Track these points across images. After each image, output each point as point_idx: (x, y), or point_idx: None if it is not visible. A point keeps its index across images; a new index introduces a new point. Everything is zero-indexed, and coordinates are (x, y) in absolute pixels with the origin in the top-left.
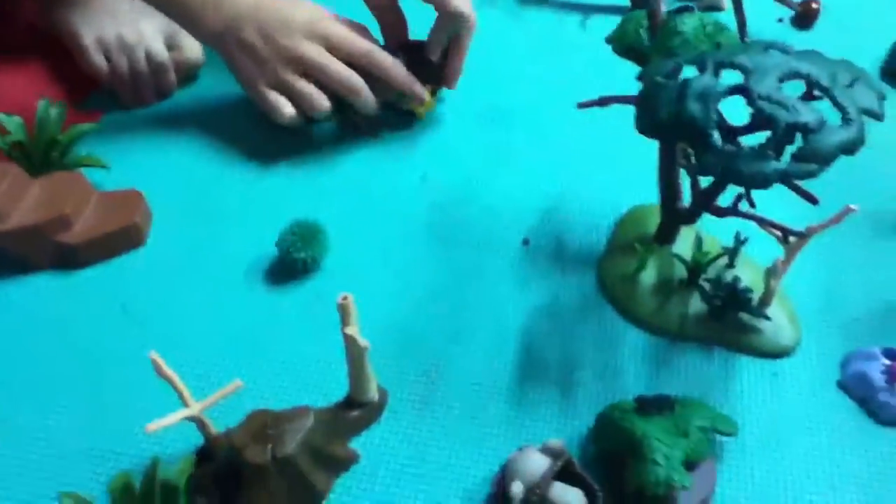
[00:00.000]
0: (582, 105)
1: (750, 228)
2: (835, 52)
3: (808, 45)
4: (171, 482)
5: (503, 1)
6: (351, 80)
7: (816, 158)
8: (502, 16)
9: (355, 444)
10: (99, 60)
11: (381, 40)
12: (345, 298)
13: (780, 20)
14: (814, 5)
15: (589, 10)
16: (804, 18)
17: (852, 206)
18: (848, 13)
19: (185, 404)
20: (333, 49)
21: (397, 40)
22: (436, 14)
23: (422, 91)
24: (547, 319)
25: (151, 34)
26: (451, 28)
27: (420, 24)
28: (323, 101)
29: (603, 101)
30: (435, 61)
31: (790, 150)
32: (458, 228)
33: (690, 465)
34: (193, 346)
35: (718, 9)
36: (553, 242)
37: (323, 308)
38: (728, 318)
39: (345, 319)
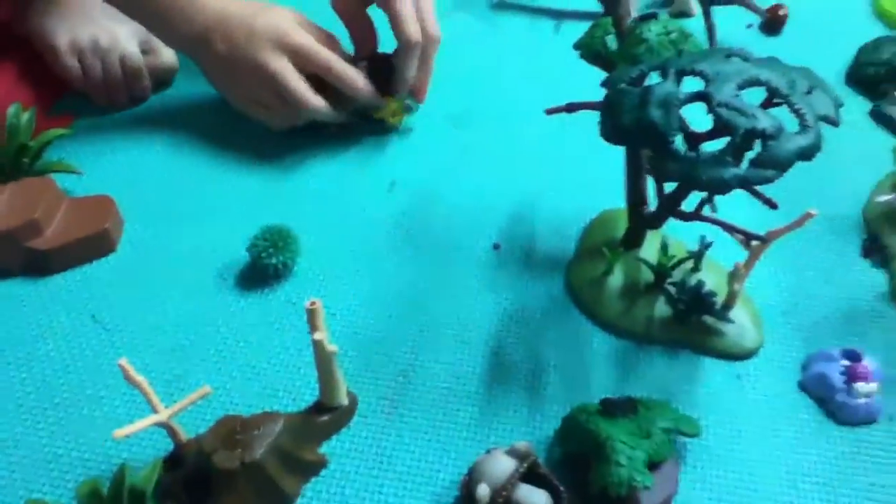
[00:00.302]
0: (549, 111)
1: (715, 232)
2: (802, 58)
3: (776, 50)
4: (139, 488)
5: (476, 6)
6: (308, 98)
7: (774, 164)
8: (475, 21)
9: (325, 449)
10: (72, 63)
11: (352, 50)
12: (313, 304)
13: (750, 26)
14: (781, 12)
15: (562, 15)
16: (772, 24)
17: (812, 211)
18: (815, 19)
19: (154, 410)
20: (298, 60)
21: (367, 51)
22: None
23: (383, 103)
24: (515, 323)
25: (126, 38)
26: (402, 48)
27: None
28: (295, 119)
29: (570, 108)
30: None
31: (750, 156)
32: (427, 233)
33: (653, 465)
34: (163, 352)
35: (688, 15)
36: (522, 247)
37: (293, 313)
38: (693, 321)
39: (313, 324)
